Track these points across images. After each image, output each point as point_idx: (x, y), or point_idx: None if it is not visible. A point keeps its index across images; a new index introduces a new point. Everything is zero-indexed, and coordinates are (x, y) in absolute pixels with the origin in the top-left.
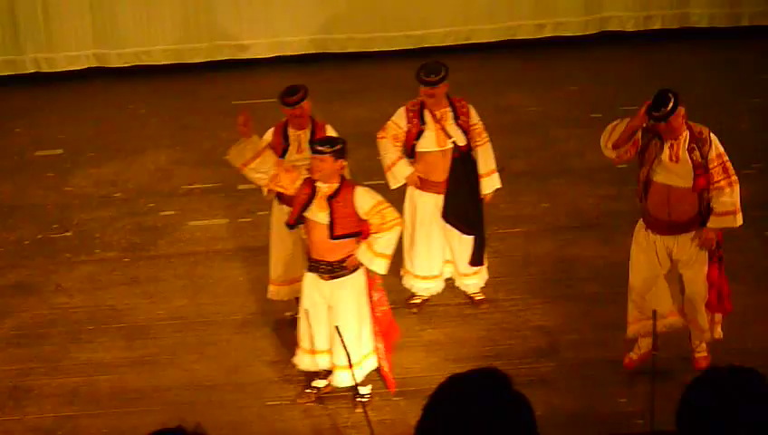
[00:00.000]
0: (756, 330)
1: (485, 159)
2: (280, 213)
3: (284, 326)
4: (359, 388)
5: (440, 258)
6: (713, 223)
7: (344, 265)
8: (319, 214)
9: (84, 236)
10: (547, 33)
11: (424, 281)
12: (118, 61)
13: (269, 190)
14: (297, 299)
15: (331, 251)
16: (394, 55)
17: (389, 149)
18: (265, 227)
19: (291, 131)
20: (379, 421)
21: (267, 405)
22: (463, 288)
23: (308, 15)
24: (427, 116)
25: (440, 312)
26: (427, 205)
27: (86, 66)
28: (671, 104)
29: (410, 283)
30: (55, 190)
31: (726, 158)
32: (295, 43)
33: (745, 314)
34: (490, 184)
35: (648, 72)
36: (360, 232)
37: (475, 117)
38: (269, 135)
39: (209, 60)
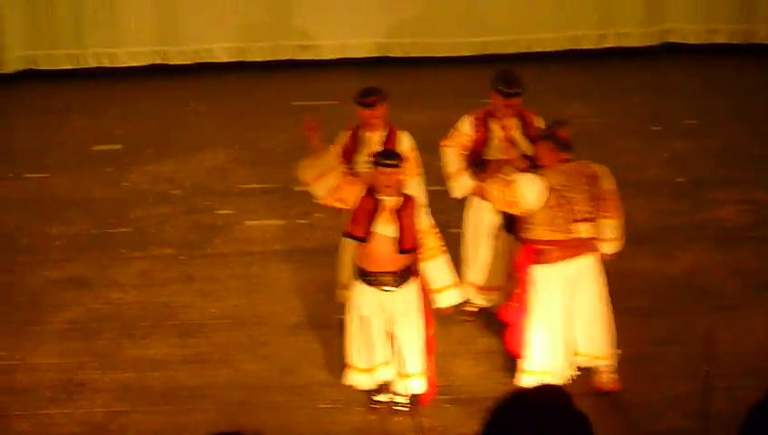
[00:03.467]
0: None
1: None
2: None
3: (337, 329)
4: (396, 398)
5: (504, 270)
6: None
7: (408, 270)
8: (387, 227)
9: (140, 232)
10: (609, 44)
11: (485, 293)
12: (179, 58)
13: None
14: None
15: (395, 262)
16: (456, 62)
17: (454, 157)
18: (321, 229)
19: (364, 133)
20: (429, 428)
21: (319, 408)
22: None
23: (372, 19)
24: (493, 124)
25: (494, 321)
26: (492, 215)
27: (147, 63)
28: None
29: (470, 293)
30: (113, 186)
31: None
32: (358, 45)
33: None
34: None
35: (710, 86)
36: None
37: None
38: (343, 137)
39: (271, 59)
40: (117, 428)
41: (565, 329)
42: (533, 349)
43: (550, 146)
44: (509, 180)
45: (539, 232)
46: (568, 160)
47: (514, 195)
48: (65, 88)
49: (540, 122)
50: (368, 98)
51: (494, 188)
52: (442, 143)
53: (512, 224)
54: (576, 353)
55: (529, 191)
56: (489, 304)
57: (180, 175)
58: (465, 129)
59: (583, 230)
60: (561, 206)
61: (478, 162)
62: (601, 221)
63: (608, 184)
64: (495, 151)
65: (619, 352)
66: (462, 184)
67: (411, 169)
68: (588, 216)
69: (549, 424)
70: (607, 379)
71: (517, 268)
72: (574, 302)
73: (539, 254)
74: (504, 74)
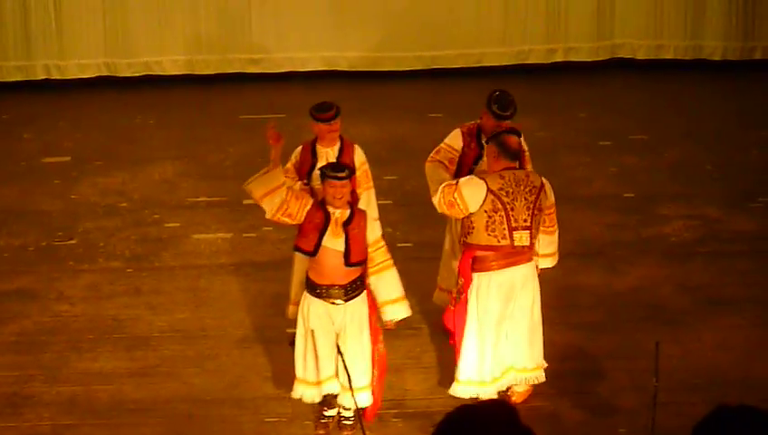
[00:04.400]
0: (759, 364)
1: None
2: None
3: (284, 343)
4: (343, 412)
5: None
6: None
7: (357, 284)
8: (335, 240)
9: (88, 244)
10: (558, 58)
11: None
12: (128, 70)
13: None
14: None
15: (344, 276)
16: (404, 76)
17: (440, 171)
18: (269, 242)
19: (320, 148)
20: None
21: (265, 422)
22: None
23: (319, 32)
24: (484, 139)
25: (441, 335)
26: None
27: (96, 75)
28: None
29: (445, 299)
30: (61, 198)
31: None
32: (306, 59)
33: (748, 348)
34: None
35: (659, 101)
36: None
37: (524, 143)
38: (297, 153)
39: (219, 72)
40: None
41: (497, 340)
42: (467, 358)
43: (494, 151)
44: (453, 182)
45: (478, 236)
46: (512, 168)
47: (453, 195)
48: (14, 100)
49: (523, 139)
50: (326, 113)
51: (437, 189)
52: (428, 158)
53: None
54: (506, 369)
55: (469, 192)
56: None
57: (129, 188)
58: (453, 143)
59: (518, 239)
60: (498, 211)
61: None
62: (540, 236)
63: (550, 199)
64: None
65: (545, 365)
66: None
67: (363, 182)
68: (525, 224)
69: None
70: (520, 391)
71: (460, 273)
72: (508, 312)
73: (478, 261)
74: (500, 96)
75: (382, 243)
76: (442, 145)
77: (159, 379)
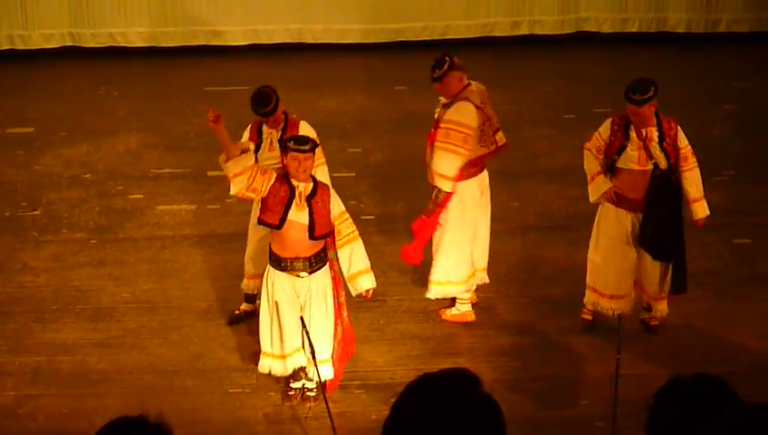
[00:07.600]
0: (719, 336)
1: (696, 185)
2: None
3: (248, 314)
4: (306, 383)
5: (630, 277)
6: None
7: (320, 256)
8: (299, 214)
9: (52, 215)
10: (523, 31)
11: (611, 300)
12: (92, 41)
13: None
14: (249, 296)
15: (308, 249)
16: (369, 48)
17: (591, 160)
18: (233, 214)
19: (265, 129)
20: (339, 413)
21: (229, 392)
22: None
23: (284, 5)
24: (632, 132)
25: (405, 307)
26: (622, 221)
27: (61, 45)
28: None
29: (594, 300)
30: (25, 169)
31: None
32: (270, 31)
33: (709, 320)
34: (702, 209)
35: (623, 75)
36: (332, 232)
37: (683, 139)
38: (248, 130)
39: (184, 45)
40: (26, 411)
41: (471, 242)
42: (445, 261)
43: (458, 75)
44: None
45: (476, 149)
46: (469, 84)
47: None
48: None
49: (682, 135)
50: (265, 108)
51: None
52: (584, 145)
53: (644, 237)
54: (475, 271)
55: (467, 116)
56: (617, 311)
57: (93, 159)
58: (603, 132)
59: (499, 138)
60: (484, 122)
61: (610, 169)
62: None
63: None
64: (629, 160)
65: None
66: (596, 188)
67: (315, 158)
68: (498, 125)
69: (457, 409)
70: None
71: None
72: (478, 217)
73: (462, 171)
74: (633, 82)
75: (347, 215)
76: (595, 134)
77: (123, 350)
